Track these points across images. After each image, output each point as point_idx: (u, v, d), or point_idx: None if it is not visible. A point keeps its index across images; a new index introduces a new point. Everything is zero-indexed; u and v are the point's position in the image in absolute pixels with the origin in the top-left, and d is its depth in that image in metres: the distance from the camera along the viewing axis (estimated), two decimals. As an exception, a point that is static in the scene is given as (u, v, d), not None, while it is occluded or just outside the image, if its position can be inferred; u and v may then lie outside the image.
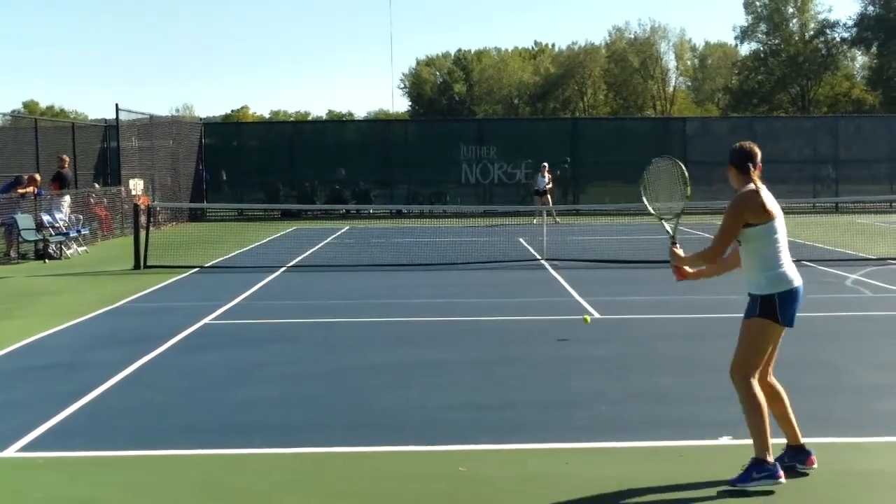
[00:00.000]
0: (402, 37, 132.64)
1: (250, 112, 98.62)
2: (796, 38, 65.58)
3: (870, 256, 16.77)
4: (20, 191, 19.11)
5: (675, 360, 8.59)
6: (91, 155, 27.72)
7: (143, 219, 17.19)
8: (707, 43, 78.28)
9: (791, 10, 65.90)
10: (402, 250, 18.63)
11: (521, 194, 31.26)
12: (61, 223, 19.35)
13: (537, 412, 6.86)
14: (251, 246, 20.31)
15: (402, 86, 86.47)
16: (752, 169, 5.43)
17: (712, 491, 5.22)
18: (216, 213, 31.39)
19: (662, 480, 5.37)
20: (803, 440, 5.52)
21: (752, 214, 5.34)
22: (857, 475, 5.47)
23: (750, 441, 5.24)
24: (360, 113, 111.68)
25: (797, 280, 5.44)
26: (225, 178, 32.50)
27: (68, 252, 18.76)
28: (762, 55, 67.00)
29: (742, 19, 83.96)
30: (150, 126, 27.41)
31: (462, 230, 23.13)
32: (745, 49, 69.20)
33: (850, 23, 63.04)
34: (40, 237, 18.35)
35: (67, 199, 20.58)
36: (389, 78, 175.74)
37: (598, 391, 7.44)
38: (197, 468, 5.76)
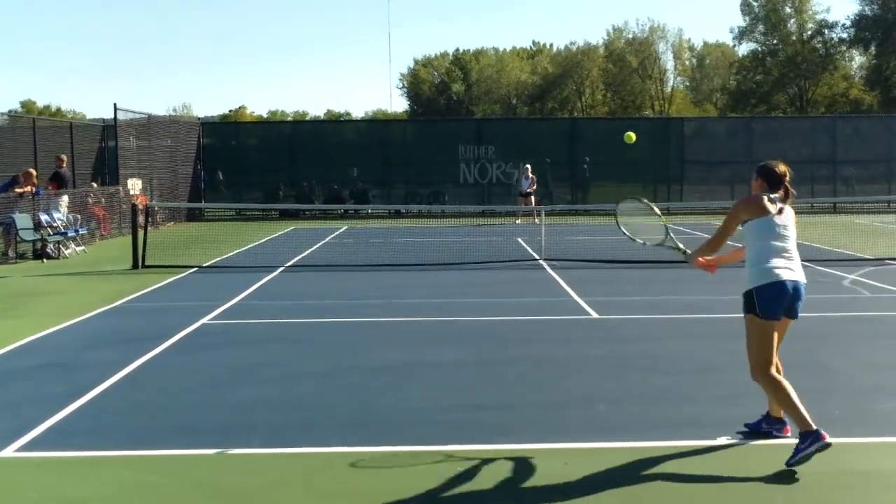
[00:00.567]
0: (400, 37, 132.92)
1: (248, 112, 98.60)
2: (794, 39, 65.64)
3: (868, 256, 16.78)
4: (18, 190, 19.09)
5: (674, 360, 8.59)
6: (89, 154, 27.68)
7: (141, 218, 17.17)
8: (705, 43, 78.40)
9: (789, 9, 65.93)
10: (401, 250, 18.63)
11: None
12: (59, 223, 19.34)
13: (535, 412, 6.85)
14: (249, 246, 20.30)
15: (401, 86, 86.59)
16: (779, 188, 5.87)
17: (711, 490, 5.22)
18: (214, 213, 31.41)
19: (661, 480, 5.37)
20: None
21: (746, 211, 5.85)
22: (854, 475, 5.47)
23: (748, 442, 5.29)
24: (358, 113, 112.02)
25: (786, 275, 5.69)
26: (221, 177, 32.46)
27: (66, 252, 18.75)
28: (760, 55, 67.03)
29: (740, 20, 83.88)
30: (149, 126, 27.38)
31: (460, 230, 23.13)
32: (744, 49, 69.37)
33: (848, 23, 63.21)
34: (38, 237, 18.34)
35: (65, 198, 20.57)
36: (388, 78, 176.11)
37: (596, 391, 7.44)
38: (194, 468, 5.76)
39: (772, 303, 5.69)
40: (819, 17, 65.56)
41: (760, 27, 66.94)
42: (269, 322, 10.88)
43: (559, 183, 32.49)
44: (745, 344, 5.81)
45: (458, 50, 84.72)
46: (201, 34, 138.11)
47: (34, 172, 19.93)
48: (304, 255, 18.33)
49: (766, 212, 5.77)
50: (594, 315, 11.08)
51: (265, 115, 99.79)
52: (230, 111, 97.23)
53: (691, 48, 77.82)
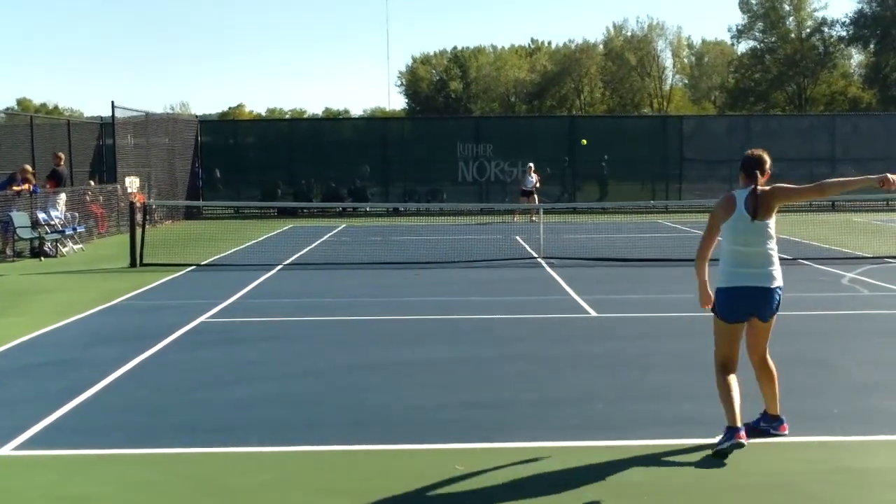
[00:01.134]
0: (398, 34, 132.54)
1: (246, 110, 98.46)
2: (793, 37, 65.62)
3: (866, 255, 16.79)
4: (15, 188, 19.07)
5: (672, 358, 8.59)
6: (87, 152, 27.66)
7: (139, 216, 17.16)
8: (704, 41, 78.31)
9: (787, 7, 65.93)
10: (399, 248, 18.63)
11: (518, 192, 31.26)
12: (57, 221, 19.32)
13: (533, 410, 6.86)
14: (247, 244, 20.29)
15: (399, 83, 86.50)
16: (760, 176, 5.81)
17: (709, 489, 5.22)
18: (212, 211, 31.39)
19: (660, 479, 5.37)
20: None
21: (719, 210, 5.88)
22: (851, 473, 5.47)
23: (751, 440, 5.31)
24: (356, 111, 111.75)
25: (741, 281, 5.71)
26: (219, 175, 32.42)
27: (64, 250, 18.74)
28: (759, 53, 67.01)
29: (738, 17, 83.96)
30: (146, 123, 27.35)
31: (459, 228, 23.13)
32: (742, 47, 69.36)
33: (847, 21, 63.17)
34: (36, 235, 18.32)
35: (63, 196, 20.54)
36: (386, 76, 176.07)
37: (594, 389, 7.44)
38: (193, 466, 5.76)
39: (724, 307, 5.81)
40: (818, 14, 65.66)
41: (759, 25, 66.89)
42: (268, 320, 10.88)
43: (553, 181, 32.48)
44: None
45: (456, 48, 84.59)
46: (199, 32, 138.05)
47: (30, 169, 19.91)
48: (302, 253, 18.33)
49: (728, 214, 5.76)
50: (592, 313, 11.08)
51: (263, 113, 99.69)
52: (228, 109, 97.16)
53: (690, 46, 77.78)
